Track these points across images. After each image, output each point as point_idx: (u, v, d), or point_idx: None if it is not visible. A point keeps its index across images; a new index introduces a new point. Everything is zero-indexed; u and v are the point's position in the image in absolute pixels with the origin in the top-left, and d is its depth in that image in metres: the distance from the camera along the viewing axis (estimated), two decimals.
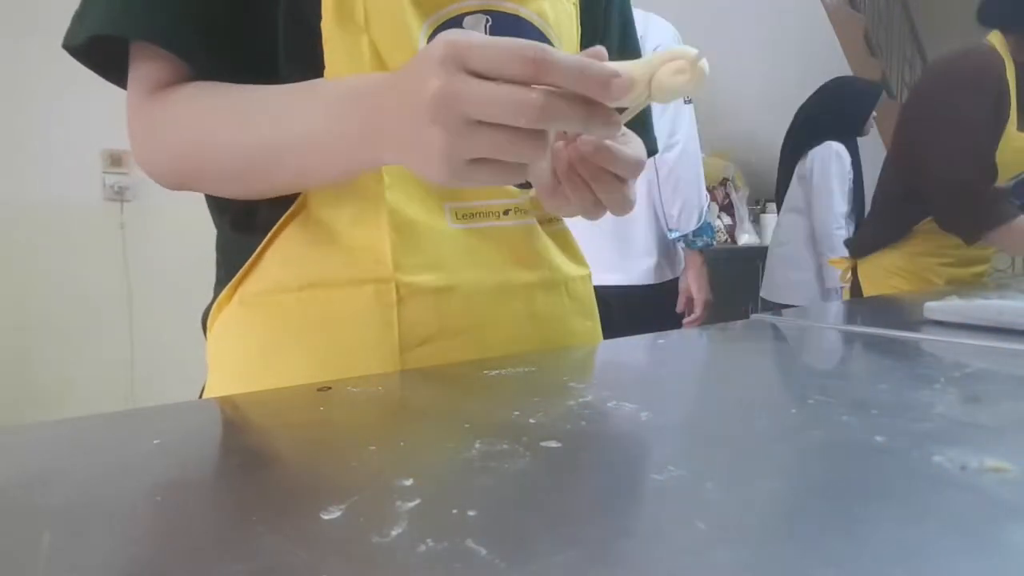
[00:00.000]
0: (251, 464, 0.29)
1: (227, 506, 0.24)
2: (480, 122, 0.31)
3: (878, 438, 0.30)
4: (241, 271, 0.51)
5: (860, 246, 1.50)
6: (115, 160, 2.34)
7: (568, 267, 0.59)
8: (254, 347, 0.51)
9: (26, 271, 2.21)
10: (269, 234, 0.50)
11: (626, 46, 0.66)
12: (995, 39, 1.32)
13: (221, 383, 0.53)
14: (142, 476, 0.27)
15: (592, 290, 0.64)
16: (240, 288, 0.52)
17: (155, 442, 0.31)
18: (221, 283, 0.54)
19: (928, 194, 1.31)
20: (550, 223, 0.58)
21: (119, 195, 2.33)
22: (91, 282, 2.29)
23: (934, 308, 0.68)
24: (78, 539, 0.21)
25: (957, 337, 0.59)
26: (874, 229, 1.48)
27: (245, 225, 0.52)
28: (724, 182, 3.40)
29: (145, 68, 0.46)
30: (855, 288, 1.51)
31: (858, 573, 0.18)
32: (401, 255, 0.48)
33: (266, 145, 0.42)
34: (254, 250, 0.50)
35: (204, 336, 0.56)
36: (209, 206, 0.55)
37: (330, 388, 0.40)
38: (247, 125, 0.43)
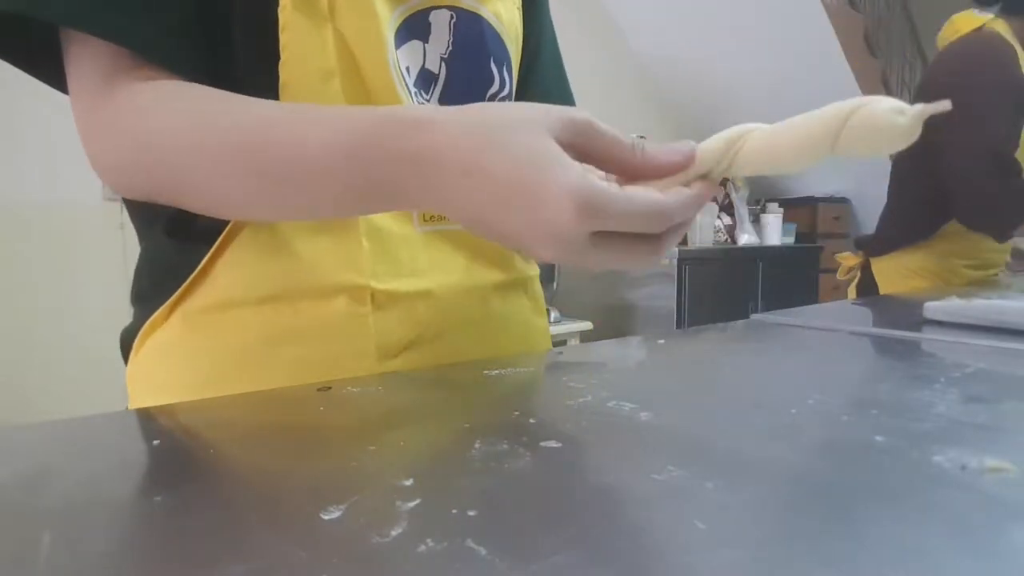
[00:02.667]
0: (251, 464, 0.29)
1: (227, 506, 0.24)
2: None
3: (878, 438, 0.30)
4: (184, 286, 0.45)
5: (879, 244, 1.45)
6: None
7: (524, 267, 0.59)
8: (205, 370, 0.46)
9: (26, 271, 2.20)
10: (216, 243, 0.45)
11: (560, 85, 0.67)
12: (998, 26, 1.26)
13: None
14: (142, 476, 0.27)
15: (540, 290, 0.64)
16: (181, 305, 0.46)
17: (155, 442, 0.31)
18: (147, 299, 0.48)
19: (952, 195, 1.26)
20: None
21: (119, 195, 2.33)
22: (91, 282, 2.29)
23: (934, 308, 0.68)
24: (78, 539, 0.21)
25: (957, 337, 0.59)
26: (896, 227, 1.42)
27: (182, 233, 0.46)
28: (724, 182, 3.40)
29: (90, 55, 0.40)
30: (868, 286, 1.47)
31: (858, 573, 0.18)
32: (376, 262, 0.46)
33: (276, 175, 0.37)
34: (196, 262, 0.45)
35: (124, 361, 0.50)
36: (132, 214, 0.50)
37: (330, 388, 0.40)
38: (245, 149, 0.37)
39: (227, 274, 0.45)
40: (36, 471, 0.28)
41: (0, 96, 2.09)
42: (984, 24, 1.27)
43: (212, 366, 0.46)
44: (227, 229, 0.45)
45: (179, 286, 0.46)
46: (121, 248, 2.31)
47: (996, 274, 1.39)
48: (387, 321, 0.47)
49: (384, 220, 0.48)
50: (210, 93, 0.40)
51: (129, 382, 0.50)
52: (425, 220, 0.50)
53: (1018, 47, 1.23)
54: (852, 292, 1.53)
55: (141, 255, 0.50)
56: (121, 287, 2.38)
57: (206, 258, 0.45)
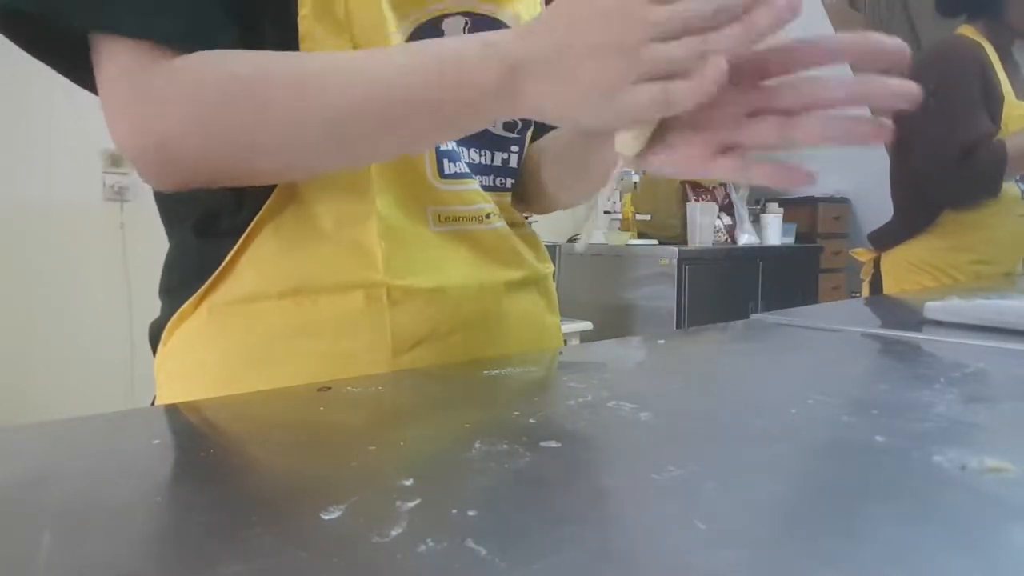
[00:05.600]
0: (251, 464, 0.29)
1: (227, 506, 0.24)
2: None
3: (878, 438, 0.30)
4: (210, 280, 0.47)
5: (884, 238, 1.49)
6: (115, 160, 2.33)
7: (539, 266, 0.60)
8: (231, 360, 0.48)
9: (26, 271, 2.20)
10: (241, 239, 0.47)
11: None
12: (966, 30, 1.37)
13: (189, 398, 0.51)
14: (142, 476, 0.27)
15: (554, 288, 0.64)
16: (208, 298, 0.48)
17: (155, 442, 0.31)
18: (175, 293, 0.50)
19: (940, 178, 1.34)
20: (519, 227, 0.59)
21: (119, 195, 2.33)
22: (91, 282, 2.29)
23: (934, 308, 0.68)
24: (78, 539, 0.21)
25: (957, 337, 0.59)
26: (897, 220, 1.47)
27: (209, 230, 0.49)
28: (724, 182, 3.39)
29: (126, 46, 0.40)
30: (876, 283, 1.50)
31: (858, 573, 0.18)
32: (391, 260, 0.48)
33: (367, 94, 0.39)
34: (222, 257, 0.47)
35: (153, 352, 0.52)
36: (161, 212, 0.52)
37: (330, 388, 0.40)
38: (341, 75, 0.39)
39: (251, 269, 0.47)
40: (36, 471, 0.28)
41: (0, 96, 2.09)
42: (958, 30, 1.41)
43: (237, 356, 0.48)
44: (251, 226, 0.47)
45: (206, 280, 0.48)
46: (121, 248, 2.31)
47: (1005, 272, 1.41)
48: (402, 316, 0.48)
49: (400, 220, 0.49)
50: (262, 51, 0.41)
51: (157, 371, 0.52)
52: (440, 221, 0.51)
53: (986, 43, 1.35)
54: (866, 288, 1.55)
55: (169, 251, 0.53)
56: (121, 287, 2.39)
57: (231, 253, 0.47)
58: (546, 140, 0.61)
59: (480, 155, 0.55)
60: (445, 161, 0.51)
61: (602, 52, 0.34)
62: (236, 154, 0.41)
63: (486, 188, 0.55)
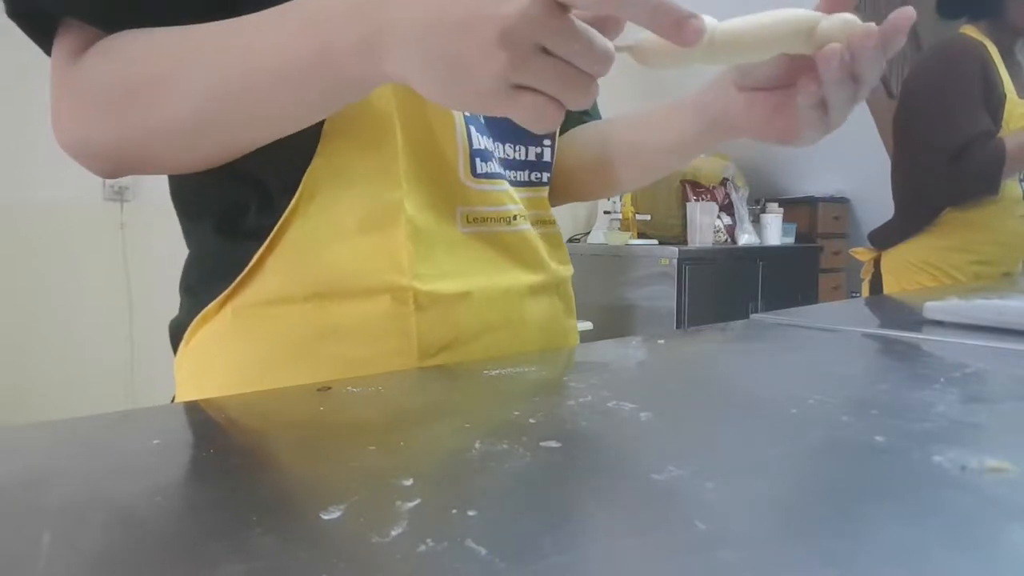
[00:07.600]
0: (251, 464, 0.29)
1: (227, 506, 0.24)
2: (546, 53, 0.30)
3: (878, 438, 0.30)
4: (236, 282, 0.47)
5: (884, 237, 1.50)
6: None
7: (559, 269, 0.60)
8: (254, 363, 0.47)
9: (26, 271, 2.20)
10: (267, 241, 0.46)
11: None
12: (969, 29, 1.39)
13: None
14: (142, 476, 0.27)
15: (572, 290, 0.65)
16: (232, 300, 0.48)
17: (155, 442, 0.31)
18: (196, 291, 0.50)
19: (934, 175, 1.35)
20: (545, 225, 0.59)
21: (119, 195, 2.33)
22: (91, 282, 2.29)
23: (934, 308, 0.68)
24: (78, 539, 0.21)
25: (957, 337, 0.59)
26: (898, 220, 1.48)
27: (232, 230, 0.48)
28: (724, 182, 3.39)
29: (70, 34, 0.41)
30: (876, 283, 1.50)
31: (858, 573, 0.18)
32: (418, 263, 0.47)
33: (230, 72, 0.37)
34: (247, 259, 0.46)
35: (173, 350, 0.52)
36: (180, 211, 0.52)
37: (330, 388, 0.40)
38: (205, 54, 0.38)
39: (276, 271, 0.47)
40: (36, 471, 0.28)
41: (1, 96, 2.09)
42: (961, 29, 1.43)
43: (261, 359, 0.47)
44: (276, 227, 0.46)
45: (229, 282, 0.47)
46: (121, 248, 2.31)
47: (1005, 272, 1.42)
48: (428, 321, 0.48)
49: (427, 222, 0.48)
50: (155, 29, 0.40)
51: (177, 371, 0.52)
52: (468, 221, 0.51)
53: (988, 42, 1.37)
54: (866, 288, 1.56)
55: (191, 250, 0.52)
56: (121, 287, 2.39)
57: (256, 255, 0.46)
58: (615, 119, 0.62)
59: (515, 150, 0.55)
60: (478, 160, 0.51)
61: (485, 52, 0.30)
62: (146, 151, 0.41)
63: (521, 184, 0.55)
